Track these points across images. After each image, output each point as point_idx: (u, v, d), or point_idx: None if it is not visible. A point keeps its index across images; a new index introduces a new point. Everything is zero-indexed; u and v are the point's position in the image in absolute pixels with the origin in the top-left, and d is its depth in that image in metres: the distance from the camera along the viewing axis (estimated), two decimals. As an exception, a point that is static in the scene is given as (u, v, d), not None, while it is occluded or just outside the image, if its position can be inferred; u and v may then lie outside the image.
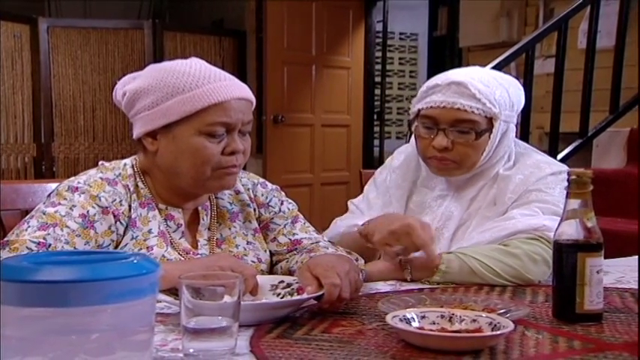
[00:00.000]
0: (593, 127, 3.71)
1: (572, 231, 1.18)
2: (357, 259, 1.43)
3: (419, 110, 1.65)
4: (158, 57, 5.72)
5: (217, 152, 1.36)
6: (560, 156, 3.59)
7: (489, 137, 1.59)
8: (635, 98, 3.76)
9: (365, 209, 1.76)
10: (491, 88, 1.59)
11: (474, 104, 1.57)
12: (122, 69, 5.74)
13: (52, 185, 1.67)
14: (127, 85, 1.41)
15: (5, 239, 1.27)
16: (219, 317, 0.99)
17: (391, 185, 1.76)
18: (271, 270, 1.51)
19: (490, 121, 1.59)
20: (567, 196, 1.19)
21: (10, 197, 1.69)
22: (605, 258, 1.22)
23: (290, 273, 1.45)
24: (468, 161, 1.62)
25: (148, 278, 0.82)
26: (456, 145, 1.60)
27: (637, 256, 1.79)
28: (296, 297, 1.22)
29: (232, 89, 1.36)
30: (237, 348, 0.99)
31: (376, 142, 6.22)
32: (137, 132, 1.40)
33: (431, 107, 1.61)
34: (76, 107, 5.70)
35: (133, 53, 5.80)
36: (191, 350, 0.98)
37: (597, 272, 1.16)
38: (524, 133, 3.38)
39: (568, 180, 1.19)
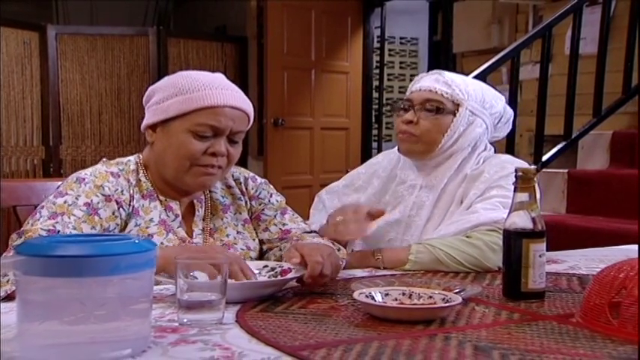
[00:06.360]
0: (577, 130, 3.84)
1: (519, 220, 1.34)
2: (339, 250, 1.59)
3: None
4: (162, 62, 5.88)
5: (200, 150, 1.50)
6: (545, 157, 3.72)
7: (452, 120, 1.76)
8: (617, 102, 3.90)
9: (326, 200, 1.93)
10: (466, 82, 1.80)
11: (444, 88, 1.77)
12: (127, 74, 5.90)
13: (63, 184, 1.83)
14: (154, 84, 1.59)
15: (21, 229, 1.44)
16: (209, 293, 1.15)
17: (368, 178, 1.92)
18: (261, 257, 1.66)
19: (457, 107, 1.76)
20: (515, 190, 1.35)
21: (26, 194, 1.86)
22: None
23: (282, 260, 1.58)
24: (429, 136, 1.77)
25: (147, 255, 0.99)
26: (420, 120, 1.77)
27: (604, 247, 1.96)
28: (279, 278, 1.39)
29: (228, 98, 1.50)
30: (224, 319, 1.15)
31: (375, 144, 6.37)
32: (143, 124, 1.57)
33: (412, 92, 1.82)
34: (83, 111, 5.84)
35: (138, 59, 5.93)
36: (185, 320, 1.14)
37: (540, 256, 1.32)
38: (511, 136, 3.49)
39: (515, 176, 1.35)
